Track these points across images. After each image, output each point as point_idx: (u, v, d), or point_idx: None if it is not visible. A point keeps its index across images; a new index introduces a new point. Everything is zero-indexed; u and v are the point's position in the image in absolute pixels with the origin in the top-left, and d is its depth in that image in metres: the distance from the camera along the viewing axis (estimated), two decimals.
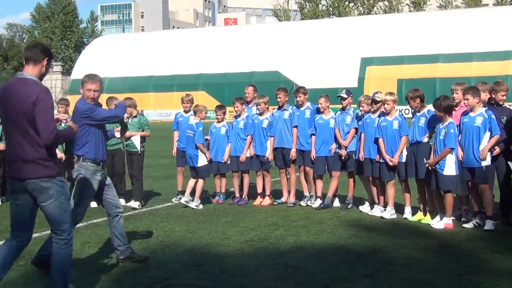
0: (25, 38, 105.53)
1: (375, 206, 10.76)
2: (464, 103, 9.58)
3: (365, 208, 10.96)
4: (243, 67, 67.08)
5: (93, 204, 11.71)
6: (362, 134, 10.82)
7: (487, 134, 9.27)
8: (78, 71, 76.72)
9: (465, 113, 9.58)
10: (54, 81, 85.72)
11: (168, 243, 8.67)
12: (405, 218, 10.20)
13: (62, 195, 5.89)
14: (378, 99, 10.67)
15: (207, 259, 7.74)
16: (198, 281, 6.73)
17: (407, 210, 10.31)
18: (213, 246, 8.44)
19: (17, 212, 5.95)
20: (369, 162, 10.67)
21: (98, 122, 7.38)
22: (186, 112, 12.63)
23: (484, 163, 9.25)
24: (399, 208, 10.48)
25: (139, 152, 12.12)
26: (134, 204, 11.92)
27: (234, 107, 12.31)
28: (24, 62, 6.10)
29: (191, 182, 11.96)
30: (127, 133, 11.89)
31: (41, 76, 6.08)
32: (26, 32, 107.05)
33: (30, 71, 5.97)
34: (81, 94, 7.53)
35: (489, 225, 9.23)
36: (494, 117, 9.28)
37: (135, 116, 12.26)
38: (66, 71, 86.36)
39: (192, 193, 11.86)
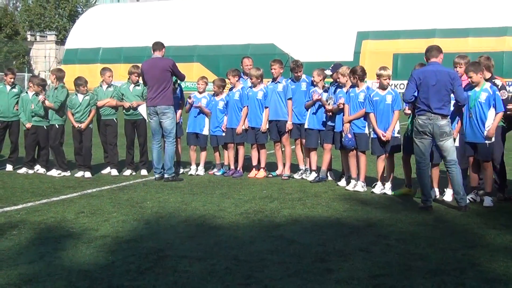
0: (19, 6, 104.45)
1: (354, 180, 10.71)
2: (469, 80, 9.45)
3: (342, 183, 10.93)
4: (238, 39, 66.62)
5: (114, 172, 11.81)
6: (347, 107, 10.70)
7: (492, 110, 9.18)
8: (72, 41, 76.20)
9: (470, 87, 9.47)
10: (48, 51, 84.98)
11: (163, 214, 8.62)
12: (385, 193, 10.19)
13: None
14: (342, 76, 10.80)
15: (202, 230, 7.70)
16: (192, 252, 6.69)
17: (388, 185, 10.28)
18: (207, 217, 8.40)
19: None
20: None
21: None
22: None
23: (488, 141, 9.20)
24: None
25: (147, 120, 12.07)
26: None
27: (228, 79, 12.26)
28: None
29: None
30: (135, 103, 11.96)
31: None
32: (20, 1, 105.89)
33: None
34: None
35: (488, 201, 9.22)
36: (499, 93, 9.21)
37: (138, 85, 12.31)
38: (60, 41, 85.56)
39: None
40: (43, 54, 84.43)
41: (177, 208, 9.04)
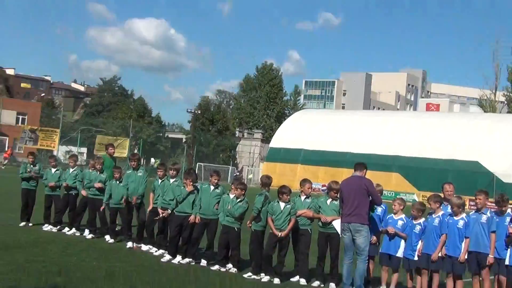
0: (231, 104, 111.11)
1: None
2: None
3: None
4: (441, 153, 65.05)
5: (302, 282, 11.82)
6: None
7: None
8: (277, 140, 78.93)
9: None
10: (253, 147, 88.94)
11: None
12: None
13: None
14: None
15: None
16: None
17: None
18: None
19: None
20: None
21: None
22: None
23: None
24: None
25: (340, 235, 12.07)
26: None
27: (429, 204, 11.97)
28: None
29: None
30: (330, 218, 12.10)
31: None
32: (233, 99, 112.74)
33: None
34: None
35: None
36: None
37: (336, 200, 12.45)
38: (266, 139, 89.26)
39: None
40: (248, 150, 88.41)
41: None
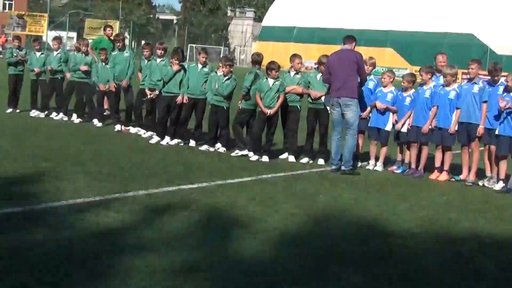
0: None
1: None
2: None
3: None
4: (435, 26, 64.03)
5: (291, 159, 11.82)
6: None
7: None
8: (270, 19, 77.66)
9: None
10: (245, 27, 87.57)
11: (334, 211, 8.35)
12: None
13: None
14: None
15: (372, 235, 7.33)
16: (359, 258, 6.35)
17: None
18: (380, 221, 8.00)
19: None
20: None
21: None
22: None
23: None
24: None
25: (329, 111, 11.87)
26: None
27: (420, 75, 11.70)
28: None
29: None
30: (319, 93, 11.88)
31: None
32: None
33: None
34: None
35: None
36: None
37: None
38: (258, 18, 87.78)
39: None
40: (240, 29, 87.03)
41: (349, 206, 8.73)
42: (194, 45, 69.30)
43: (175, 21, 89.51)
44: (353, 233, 7.38)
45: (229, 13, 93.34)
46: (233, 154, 12.15)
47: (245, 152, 12.09)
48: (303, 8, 75.01)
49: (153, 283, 5.31)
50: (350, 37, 11.60)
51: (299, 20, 73.90)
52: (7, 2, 75.59)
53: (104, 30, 17.67)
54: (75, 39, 70.95)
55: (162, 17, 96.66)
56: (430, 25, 64.02)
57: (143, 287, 5.23)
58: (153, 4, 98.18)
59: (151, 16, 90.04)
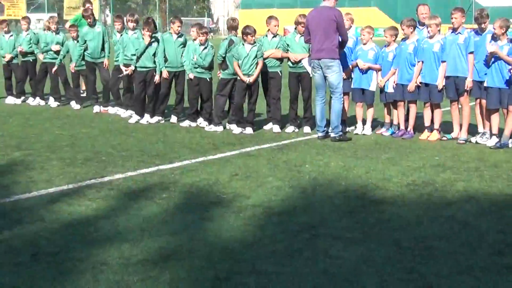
0: None
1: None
2: None
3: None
4: None
5: (276, 129, 11.35)
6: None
7: None
8: None
9: None
10: None
11: (321, 181, 7.93)
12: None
13: None
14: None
15: (362, 205, 6.92)
16: (349, 232, 5.95)
17: None
18: (370, 188, 7.60)
19: None
20: None
21: None
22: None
23: None
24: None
25: (311, 74, 11.35)
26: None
27: (402, 29, 11.16)
28: None
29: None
30: (300, 55, 11.38)
31: None
32: None
33: None
34: None
35: None
36: None
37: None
38: None
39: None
40: None
41: (337, 174, 8.30)
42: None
43: None
44: (342, 204, 6.95)
45: None
46: (206, 128, 11.69)
47: (220, 128, 11.61)
48: None
49: (126, 277, 4.90)
50: None
51: None
52: None
53: (84, 7, 16.90)
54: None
55: None
56: None
57: (115, 282, 4.82)
58: None
59: None
